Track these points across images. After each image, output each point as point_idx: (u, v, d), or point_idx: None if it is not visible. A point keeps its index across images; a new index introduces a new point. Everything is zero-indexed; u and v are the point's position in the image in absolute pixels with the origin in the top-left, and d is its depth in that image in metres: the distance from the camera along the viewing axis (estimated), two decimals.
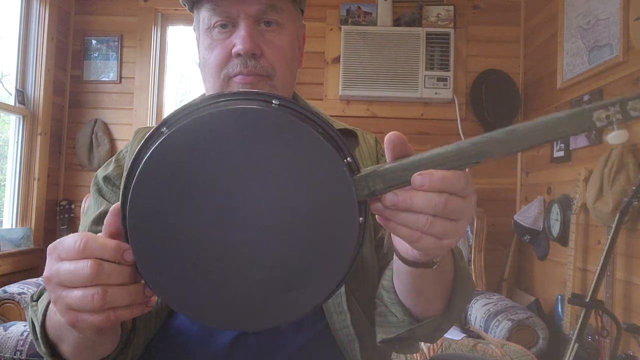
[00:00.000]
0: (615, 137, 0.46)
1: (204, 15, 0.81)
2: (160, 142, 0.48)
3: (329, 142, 0.48)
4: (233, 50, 0.78)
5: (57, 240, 0.48)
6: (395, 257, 0.63)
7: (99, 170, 0.91)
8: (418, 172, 0.47)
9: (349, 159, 0.49)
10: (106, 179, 0.88)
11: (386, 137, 0.50)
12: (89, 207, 0.89)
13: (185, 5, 0.86)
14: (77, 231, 0.91)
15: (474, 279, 2.69)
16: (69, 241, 0.46)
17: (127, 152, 0.90)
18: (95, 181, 0.90)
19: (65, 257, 0.46)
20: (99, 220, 0.84)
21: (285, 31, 0.82)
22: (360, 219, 0.49)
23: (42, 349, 0.65)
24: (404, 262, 0.60)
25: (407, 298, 0.70)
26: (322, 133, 0.48)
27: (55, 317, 0.61)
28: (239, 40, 0.77)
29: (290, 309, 0.51)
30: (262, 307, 0.50)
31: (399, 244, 0.57)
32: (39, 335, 0.65)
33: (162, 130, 0.49)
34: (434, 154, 0.48)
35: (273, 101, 0.48)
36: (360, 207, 0.49)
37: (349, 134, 0.92)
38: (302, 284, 0.49)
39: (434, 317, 0.70)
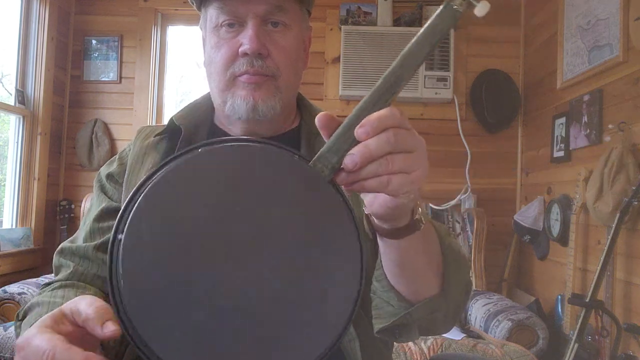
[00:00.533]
0: (480, 9, 0.55)
1: (212, 13, 0.82)
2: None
3: (280, 148, 0.50)
4: (240, 50, 0.78)
5: (27, 339, 0.47)
6: (379, 238, 0.63)
7: (102, 168, 0.91)
8: (357, 126, 0.49)
9: (296, 156, 0.51)
10: (109, 176, 0.88)
11: (316, 121, 0.52)
12: (91, 204, 0.89)
13: (192, 4, 0.86)
14: (76, 230, 0.91)
15: (473, 277, 2.69)
16: (37, 348, 0.46)
17: (129, 150, 0.90)
18: (98, 178, 0.90)
19: None
20: (100, 218, 0.84)
21: (291, 32, 0.82)
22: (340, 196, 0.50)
23: None
24: (386, 236, 0.60)
25: (398, 279, 0.69)
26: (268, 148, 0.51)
27: None
28: (246, 40, 0.77)
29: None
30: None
31: (374, 206, 0.56)
32: None
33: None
34: (359, 106, 0.51)
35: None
36: (335, 188, 0.51)
37: None
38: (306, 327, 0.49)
39: (430, 298, 0.68)
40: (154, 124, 3.24)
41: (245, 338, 0.47)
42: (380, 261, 0.70)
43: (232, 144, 0.51)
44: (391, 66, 0.52)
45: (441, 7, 0.53)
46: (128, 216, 0.48)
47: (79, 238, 0.85)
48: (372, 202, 0.55)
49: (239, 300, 0.47)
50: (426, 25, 0.53)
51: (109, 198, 0.86)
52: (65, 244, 0.85)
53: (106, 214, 0.85)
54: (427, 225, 0.63)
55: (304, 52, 0.89)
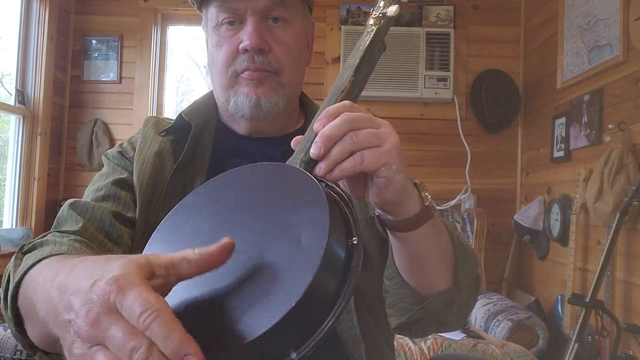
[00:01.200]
0: (392, 11, 0.64)
1: (212, 12, 0.81)
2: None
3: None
4: (240, 46, 0.78)
5: (124, 278, 0.37)
6: (392, 235, 0.63)
7: (110, 150, 0.88)
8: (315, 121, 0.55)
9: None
10: (121, 153, 0.86)
11: (292, 144, 0.58)
12: (100, 176, 0.84)
13: (193, 4, 0.86)
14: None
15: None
16: (140, 301, 0.36)
17: (138, 136, 0.88)
18: (107, 156, 0.87)
19: (126, 315, 0.36)
20: (119, 184, 0.80)
21: (292, 27, 0.81)
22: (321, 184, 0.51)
23: (6, 314, 0.56)
24: (400, 229, 0.61)
25: (411, 274, 0.69)
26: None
27: (37, 281, 0.50)
28: (246, 36, 0.77)
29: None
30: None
31: (373, 197, 0.57)
32: (9, 297, 0.56)
33: None
34: (321, 107, 0.59)
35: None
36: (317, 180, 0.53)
37: None
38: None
39: (443, 291, 0.69)
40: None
41: (224, 299, 0.47)
42: (392, 260, 0.70)
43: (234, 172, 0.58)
44: (346, 63, 0.64)
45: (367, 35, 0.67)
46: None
47: (88, 198, 0.79)
48: (372, 196, 0.57)
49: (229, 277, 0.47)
50: (359, 51, 0.65)
51: (126, 170, 0.83)
52: (77, 200, 0.79)
53: (125, 185, 0.81)
54: (437, 218, 0.63)
55: (307, 48, 0.88)
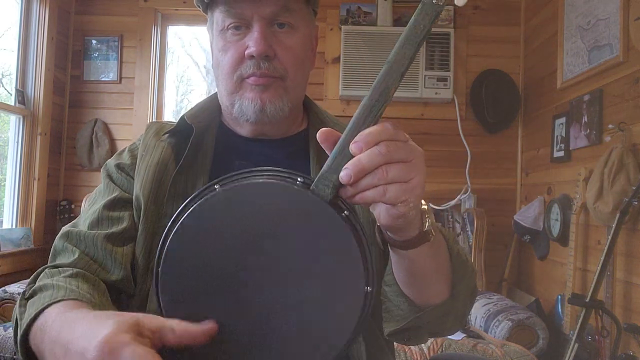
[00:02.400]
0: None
1: (218, 16, 0.81)
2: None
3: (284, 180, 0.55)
4: (246, 52, 0.78)
5: (116, 342, 0.47)
6: (391, 248, 0.64)
7: (110, 160, 0.89)
8: (352, 142, 0.53)
9: (299, 179, 0.55)
10: (119, 166, 0.87)
11: (317, 136, 0.56)
12: (97, 193, 0.87)
13: (199, 7, 0.86)
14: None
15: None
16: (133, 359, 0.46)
17: (139, 143, 0.89)
18: (105, 169, 0.88)
19: None
20: (111, 207, 0.82)
21: (298, 32, 0.82)
22: (345, 215, 0.54)
23: (19, 356, 0.64)
24: (397, 247, 0.62)
25: (409, 287, 0.71)
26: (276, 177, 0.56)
27: (43, 335, 0.59)
28: (252, 42, 0.77)
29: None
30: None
31: (380, 218, 0.58)
32: (19, 341, 0.63)
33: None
34: (352, 121, 0.55)
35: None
36: (337, 205, 0.55)
37: None
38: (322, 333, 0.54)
39: (439, 303, 0.70)
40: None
41: (259, 347, 0.54)
42: (391, 267, 0.71)
43: (244, 181, 0.56)
44: (378, 76, 0.54)
45: (420, 5, 0.55)
46: (163, 251, 0.55)
47: (83, 224, 0.82)
48: (378, 215, 0.57)
49: (256, 318, 0.54)
50: (407, 27, 0.55)
51: (119, 187, 0.85)
52: (68, 227, 0.82)
53: (118, 204, 0.82)
54: (437, 235, 0.64)
55: (312, 51, 0.89)
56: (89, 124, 3.17)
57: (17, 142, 2.93)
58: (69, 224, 0.84)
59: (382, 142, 0.52)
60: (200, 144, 0.85)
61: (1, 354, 1.99)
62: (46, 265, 0.77)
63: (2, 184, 2.97)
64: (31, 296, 0.68)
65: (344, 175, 0.52)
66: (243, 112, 0.81)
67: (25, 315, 0.64)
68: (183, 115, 0.86)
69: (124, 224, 0.81)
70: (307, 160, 0.86)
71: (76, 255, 0.77)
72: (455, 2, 0.57)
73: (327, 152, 0.55)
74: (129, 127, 3.19)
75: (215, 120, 0.90)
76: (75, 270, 0.74)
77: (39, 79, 2.96)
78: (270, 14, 0.78)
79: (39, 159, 2.95)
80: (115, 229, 0.80)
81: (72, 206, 3.09)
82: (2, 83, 3.23)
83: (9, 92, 3.03)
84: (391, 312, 0.75)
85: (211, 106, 0.91)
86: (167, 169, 0.83)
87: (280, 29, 0.80)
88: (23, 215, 2.92)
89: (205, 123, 0.87)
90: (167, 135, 0.87)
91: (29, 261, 2.86)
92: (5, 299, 2.24)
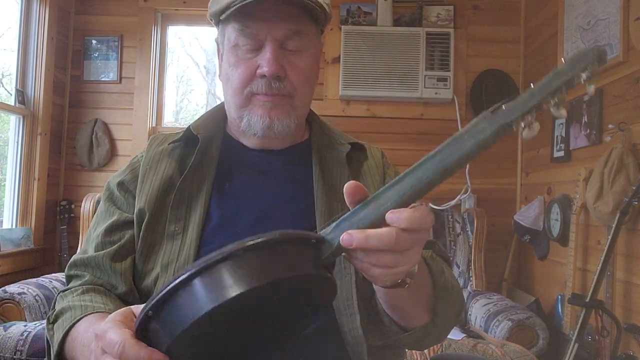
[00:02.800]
0: (528, 133, 0.48)
1: (231, 33, 0.83)
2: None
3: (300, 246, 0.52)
4: (258, 71, 0.81)
5: (102, 330, 0.54)
6: None
7: (112, 177, 0.93)
8: (391, 210, 0.51)
9: (313, 240, 0.53)
10: (120, 184, 0.90)
11: (345, 188, 0.54)
12: (99, 215, 0.90)
13: (211, 20, 0.88)
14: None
15: (473, 278, 2.69)
16: (111, 340, 0.52)
17: (142, 157, 0.92)
18: (107, 187, 0.92)
19: (108, 352, 0.53)
20: (110, 232, 0.86)
21: (308, 53, 0.85)
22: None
23: None
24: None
25: (389, 312, 0.73)
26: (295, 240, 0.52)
27: (74, 344, 0.71)
28: (264, 63, 0.80)
29: None
30: None
31: (364, 274, 0.59)
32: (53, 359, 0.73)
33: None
34: (390, 196, 0.52)
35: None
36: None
37: (359, 149, 0.95)
38: None
39: (420, 327, 0.73)
40: (154, 124, 3.25)
41: None
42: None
43: (247, 254, 0.49)
44: (425, 168, 0.52)
45: (500, 123, 0.48)
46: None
47: (89, 250, 0.87)
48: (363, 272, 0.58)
49: None
50: (476, 139, 0.49)
51: (119, 209, 0.88)
52: (76, 256, 0.87)
53: (116, 228, 0.86)
54: (420, 272, 0.65)
55: (317, 68, 0.93)
56: (89, 124, 3.17)
57: (17, 142, 2.93)
58: (78, 252, 0.90)
59: (395, 230, 0.51)
60: (205, 153, 0.88)
61: (1, 354, 1.99)
62: (59, 291, 0.84)
63: (2, 184, 2.97)
64: (54, 321, 0.77)
65: (345, 239, 0.51)
66: (251, 127, 0.84)
67: (55, 338, 0.74)
68: (189, 126, 0.89)
69: (124, 240, 0.85)
70: (309, 168, 0.89)
71: (85, 278, 0.84)
72: (523, 134, 0.48)
73: (348, 204, 0.54)
74: (129, 127, 3.19)
75: (220, 130, 0.92)
76: (85, 287, 0.81)
77: (39, 79, 2.96)
78: (282, 36, 0.81)
79: (39, 159, 2.95)
80: (117, 246, 0.85)
81: (72, 206, 3.09)
82: (2, 83, 3.23)
83: (9, 92, 3.03)
84: (376, 325, 0.77)
85: (217, 116, 0.93)
86: (173, 178, 0.86)
87: (291, 50, 0.83)
88: (23, 215, 2.92)
89: (210, 133, 0.90)
90: (170, 145, 0.90)
91: (29, 261, 2.86)
92: (6, 299, 2.24)
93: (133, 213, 0.86)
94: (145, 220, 0.83)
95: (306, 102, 0.89)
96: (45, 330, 0.78)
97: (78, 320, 0.73)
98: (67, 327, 0.73)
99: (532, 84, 0.47)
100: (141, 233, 0.83)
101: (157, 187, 0.86)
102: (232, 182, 0.87)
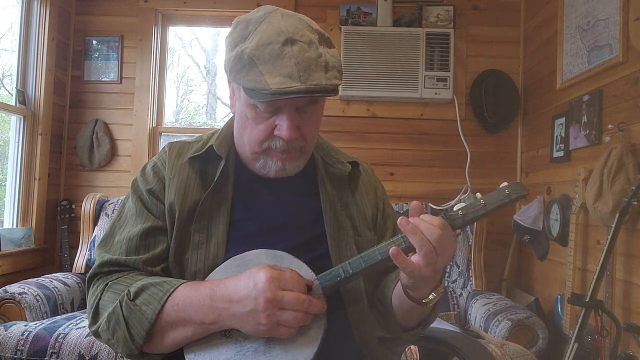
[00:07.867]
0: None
1: (250, 94, 0.85)
2: None
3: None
4: (276, 133, 0.87)
5: (279, 273, 0.78)
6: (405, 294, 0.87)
7: (139, 180, 0.97)
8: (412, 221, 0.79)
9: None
10: (151, 192, 0.94)
11: (411, 206, 0.82)
12: (130, 214, 0.94)
13: (228, 75, 0.89)
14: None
15: (472, 277, 2.70)
16: (297, 298, 0.77)
17: (163, 166, 0.97)
18: (135, 188, 0.96)
19: (289, 308, 0.76)
20: (147, 236, 0.91)
21: (320, 108, 0.92)
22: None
23: (137, 344, 0.81)
24: (408, 298, 0.86)
25: (398, 313, 0.92)
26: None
27: (183, 306, 0.80)
28: (283, 128, 0.86)
29: None
30: None
31: (404, 279, 0.84)
32: (144, 333, 0.80)
33: None
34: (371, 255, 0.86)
35: None
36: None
37: (354, 166, 1.06)
38: None
39: (419, 329, 0.94)
40: (154, 124, 3.25)
41: None
42: (397, 280, 0.90)
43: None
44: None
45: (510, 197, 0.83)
46: None
47: (118, 250, 0.90)
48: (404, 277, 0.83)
49: None
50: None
51: (153, 216, 0.93)
52: (107, 257, 0.90)
53: (152, 233, 0.91)
54: (435, 301, 0.86)
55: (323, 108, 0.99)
56: (90, 124, 3.17)
57: (18, 142, 2.93)
58: (101, 251, 0.93)
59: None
60: (226, 172, 0.95)
61: (2, 354, 1.99)
62: (108, 281, 0.88)
63: (3, 184, 2.97)
64: (135, 296, 0.82)
65: (393, 251, 0.78)
66: (265, 168, 0.92)
67: (145, 314, 0.80)
68: (212, 145, 0.95)
69: (159, 249, 0.91)
70: (316, 185, 0.99)
71: (125, 273, 0.90)
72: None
73: (410, 213, 0.82)
74: (130, 127, 3.20)
75: (232, 149, 0.98)
76: (136, 273, 0.90)
77: (39, 79, 2.96)
78: (300, 105, 0.87)
79: (40, 159, 2.96)
80: (152, 253, 0.90)
81: (73, 206, 3.10)
82: (2, 83, 3.23)
83: (9, 93, 3.03)
84: (382, 317, 0.95)
85: (230, 134, 0.99)
86: (194, 192, 0.93)
87: (306, 110, 0.89)
88: (24, 215, 2.93)
89: (228, 152, 0.97)
90: (192, 160, 0.96)
91: (29, 261, 2.86)
92: (6, 299, 2.24)
93: (164, 220, 0.92)
94: (175, 227, 0.90)
95: (314, 143, 0.97)
96: (122, 309, 0.82)
97: (174, 289, 0.82)
98: (168, 293, 0.81)
99: None
100: (172, 242, 0.90)
101: (182, 191, 0.93)
102: (249, 196, 0.96)
